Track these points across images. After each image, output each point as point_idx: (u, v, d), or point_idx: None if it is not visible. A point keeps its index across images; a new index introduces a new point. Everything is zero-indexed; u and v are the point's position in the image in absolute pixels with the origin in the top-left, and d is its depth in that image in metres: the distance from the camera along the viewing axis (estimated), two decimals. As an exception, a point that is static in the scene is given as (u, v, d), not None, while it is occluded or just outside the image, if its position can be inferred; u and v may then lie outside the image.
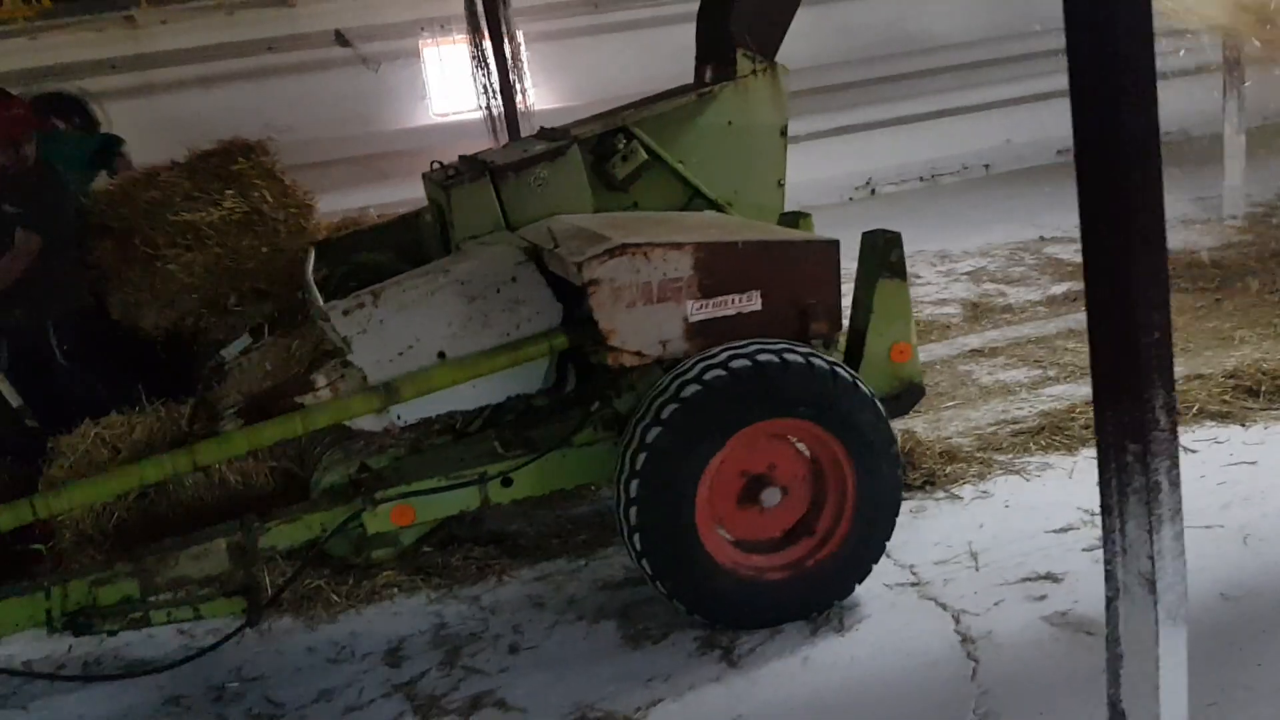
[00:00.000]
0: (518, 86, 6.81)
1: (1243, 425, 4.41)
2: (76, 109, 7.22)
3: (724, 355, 3.30)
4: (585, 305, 3.55)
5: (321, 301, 3.84)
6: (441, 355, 3.71)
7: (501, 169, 4.26)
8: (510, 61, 6.74)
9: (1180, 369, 4.97)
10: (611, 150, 4.40)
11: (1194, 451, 4.23)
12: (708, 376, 3.25)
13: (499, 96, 6.74)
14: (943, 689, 3.00)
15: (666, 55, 10.54)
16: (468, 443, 3.86)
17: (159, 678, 3.50)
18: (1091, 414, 4.51)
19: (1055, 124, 10.51)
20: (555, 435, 3.65)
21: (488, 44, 6.86)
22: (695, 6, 4.84)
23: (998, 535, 3.79)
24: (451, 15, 9.84)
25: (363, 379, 3.68)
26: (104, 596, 3.25)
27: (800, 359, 3.31)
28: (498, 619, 3.74)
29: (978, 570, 3.60)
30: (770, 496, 3.38)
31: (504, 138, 6.88)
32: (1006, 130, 10.55)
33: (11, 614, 3.17)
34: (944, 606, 3.40)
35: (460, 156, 4.80)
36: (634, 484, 3.26)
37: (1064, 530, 3.76)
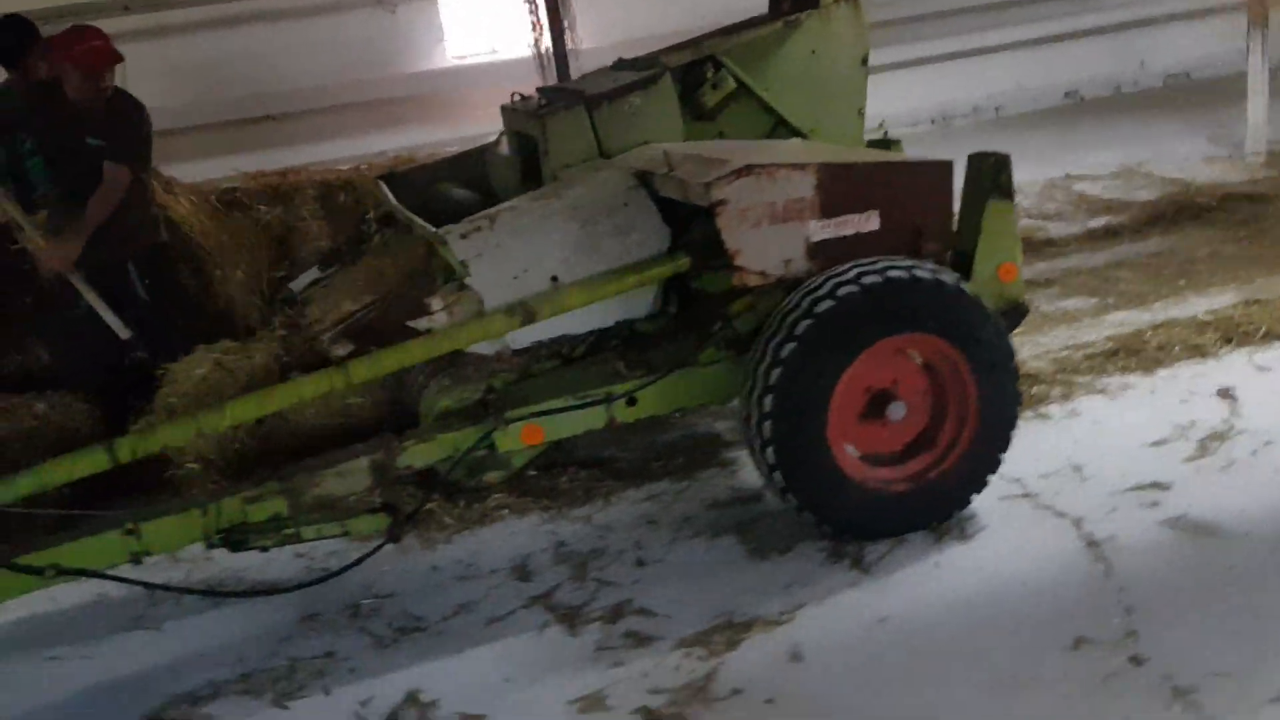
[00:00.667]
0: (565, 24, 6.78)
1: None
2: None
3: (854, 272, 3.38)
4: (701, 228, 3.63)
5: (431, 227, 3.88)
6: (554, 279, 3.78)
7: (595, 98, 4.28)
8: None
9: (1236, 296, 5.13)
10: (701, 79, 4.44)
11: (1269, 370, 4.37)
12: (841, 292, 3.33)
13: (548, 34, 6.71)
14: (1080, 587, 3.13)
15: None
16: (584, 365, 3.92)
17: (290, 597, 3.57)
18: (1163, 336, 4.68)
19: (1064, 67, 10.68)
20: (674, 356, 3.73)
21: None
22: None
23: (1096, 449, 3.92)
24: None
25: (479, 302, 3.74)
26: (254, 514, 3.30)
27: (929, 275, 3.40)
28: (616, 536, 3.84)
29: (1084, 482, 3.72)
30: (895, 410, 3.48)
31: (551, 77, 6.88)
32: (1016, 74, 10.64)
33: (170, 531, 3.21)
34: (1061, 514, 3.53)
35: (539, 89, 4.82)
36: (768, 399, 3.34)
37: (1160, 443, 3.90)
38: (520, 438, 3.59)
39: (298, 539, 3.35)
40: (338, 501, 3.45)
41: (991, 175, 3.75)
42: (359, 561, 3.42)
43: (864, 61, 4.70)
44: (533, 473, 4.22)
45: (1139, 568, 3.19)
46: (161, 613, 3.71)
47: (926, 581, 3.29)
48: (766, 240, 3.50)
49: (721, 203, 3.44)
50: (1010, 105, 10.72)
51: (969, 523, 3.55)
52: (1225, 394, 4.20)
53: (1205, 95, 8.74)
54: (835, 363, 3.36)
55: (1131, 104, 9.69)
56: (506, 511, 4.07)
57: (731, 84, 4.45)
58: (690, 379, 3.67)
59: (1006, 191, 3.77)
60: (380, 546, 3.42)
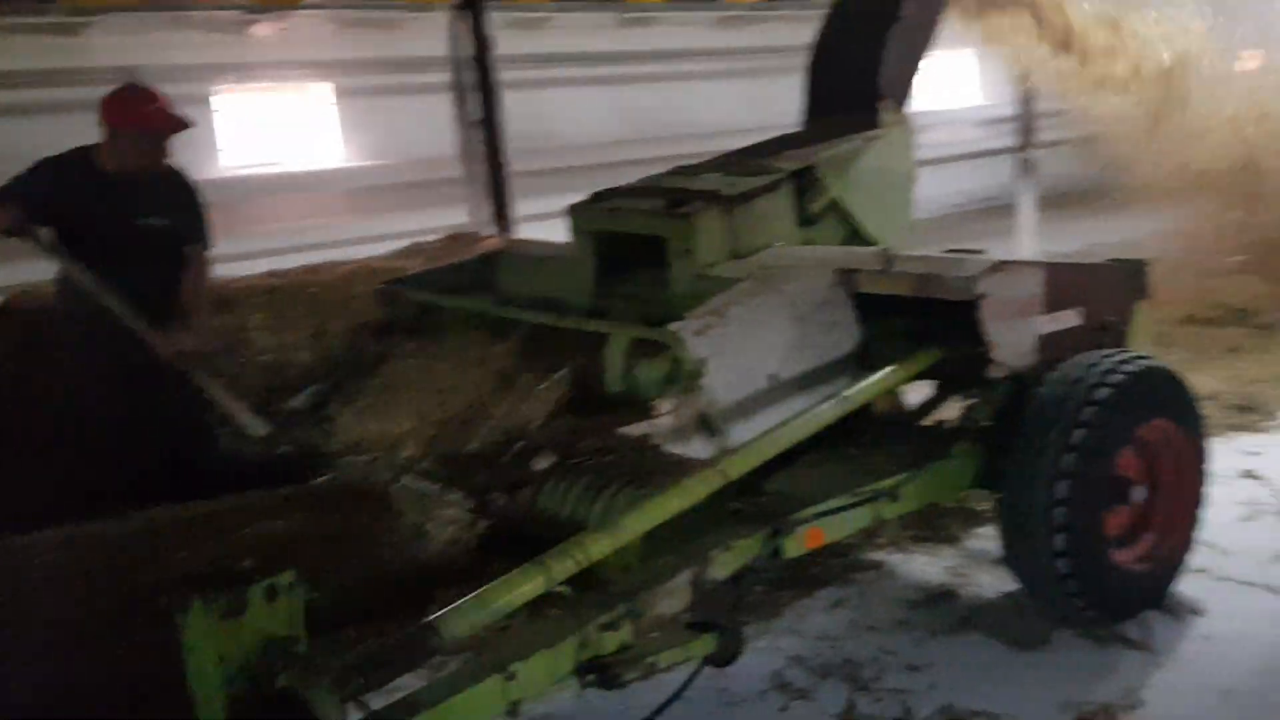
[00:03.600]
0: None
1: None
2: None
3: (1115, 360, 3.57)
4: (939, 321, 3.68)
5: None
6: (771, 377, 3.64)
7: (731, 199, 4.21)
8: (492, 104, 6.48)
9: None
10: (806, 186, 4.51)
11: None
12: (1113, 379, 3.50)
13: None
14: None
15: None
16: (835, 462, 3.74)
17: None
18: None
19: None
20: (922, 450, 3.69)
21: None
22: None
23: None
24: (250, 62, 9.17)
25: (709, 403, 3.51)
26: (608, 643, 2.81)
27: (1164, 368, 3.67)
28: (848, 644, 3.66)
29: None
30: (1138, 493, 3.68)
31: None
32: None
33: (543, 670, 2.64)
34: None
35: (604, 192, 4.64)
36: (1061, 484, 3.41)
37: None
38: (804, 542, 3.36)
39: (654, 669, 2.89)
40: (668, 622, 3.02)
41: (1136, 280, 4.12)
42: (686, 685, 2.99)
43: (912, 179, 4.99)
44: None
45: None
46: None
47: (1215, 653, 3.46)
48: (1013, 333, 3.62)
49: (983, 296, 3.52)
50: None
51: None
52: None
53: (989, 218, 9.90)
54: (1115, 447, 3.52)
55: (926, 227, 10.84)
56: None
57: (831, 193, 4.55)
58: (942, 472, 3.64)
59: (1146, 293, 4.15)
60: (700, 668, 3.03)
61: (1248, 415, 5.46)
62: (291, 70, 9.65)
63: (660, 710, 2.91)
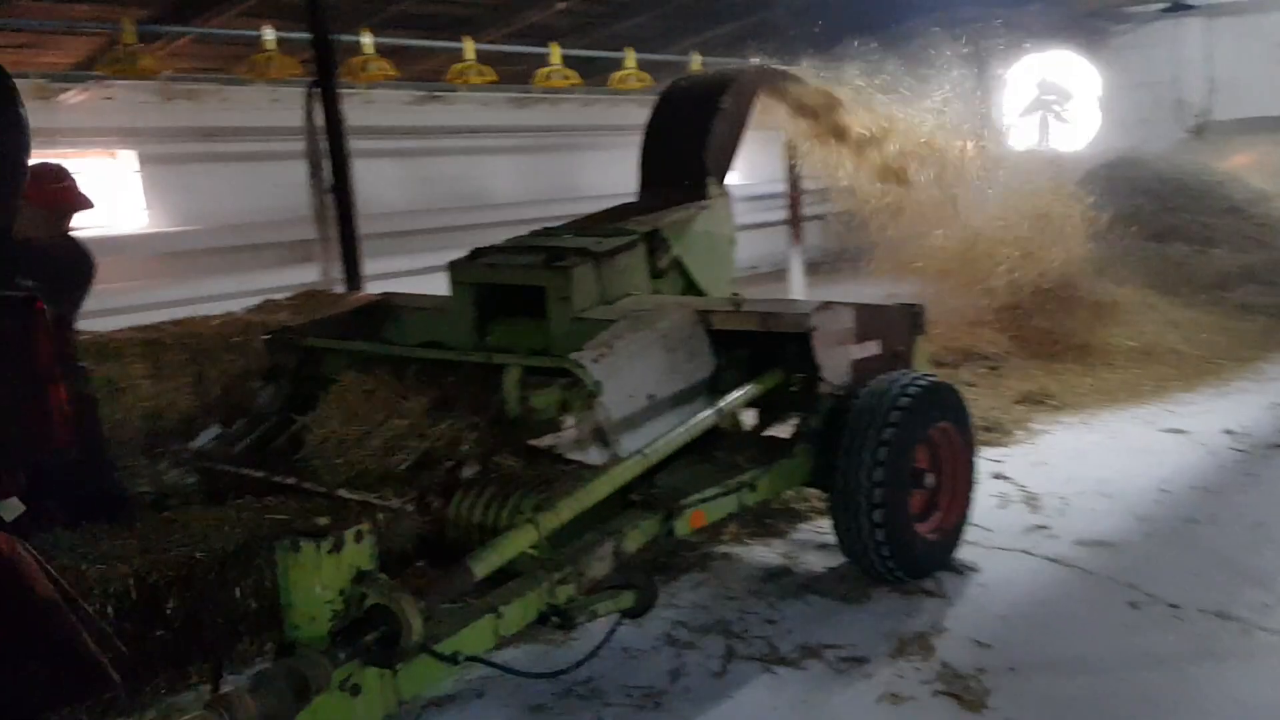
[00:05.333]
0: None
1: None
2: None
3: (910, 378, 4.67)
4: (776, 350, 4.69)
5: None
6: (650, 396, 4.54)
7: (601, 255, 5.10)
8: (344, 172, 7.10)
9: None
10: (655, 246, 5.46)
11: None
12: (912, 391, 4.60)
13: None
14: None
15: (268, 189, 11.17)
16: (697, 462, 4.62)
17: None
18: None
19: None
20: (768, 451, 4.66)
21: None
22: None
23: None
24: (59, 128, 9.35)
25: (604, 418, 4.36)
26: (560, 595, 3.58)
27: (947, 383, 4.82)
28: (716, 609, 4.55)
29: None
30: (929, 480, 4.77)
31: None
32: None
33: (520, 612, 3.39)
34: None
35: (496, 247, 5.43)
36: (878, 471, 4.45)
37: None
38: (690, 523, 4.24)
39: (595, 615, 3.68)
40: (599, 582, 3.82)
41: (916, 319, 5.29)
42: (609, 636, 3.79)
43: (732, 243, 6.04)
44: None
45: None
46: None
47: (990, 595, 4.57)
48: (836, 358, 4.68)
49: (814, 329, 4.56)
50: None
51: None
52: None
53: (766, 281, 11.14)
54: (914, 442, 4.60)
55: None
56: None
57: (675, 251, 5.52)
58: (787, 467, 4.62)
59: (924, 329, 5.33)
60: (633, 618, 3.86)
61: (991, 434, 6.79)
62: (99, 138, 9.88)
63: (588, 658, 3.69)
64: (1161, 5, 12.49)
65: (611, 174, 13.55)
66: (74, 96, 8.89)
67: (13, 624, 2.34)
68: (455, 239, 11.94)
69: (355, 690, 2.80)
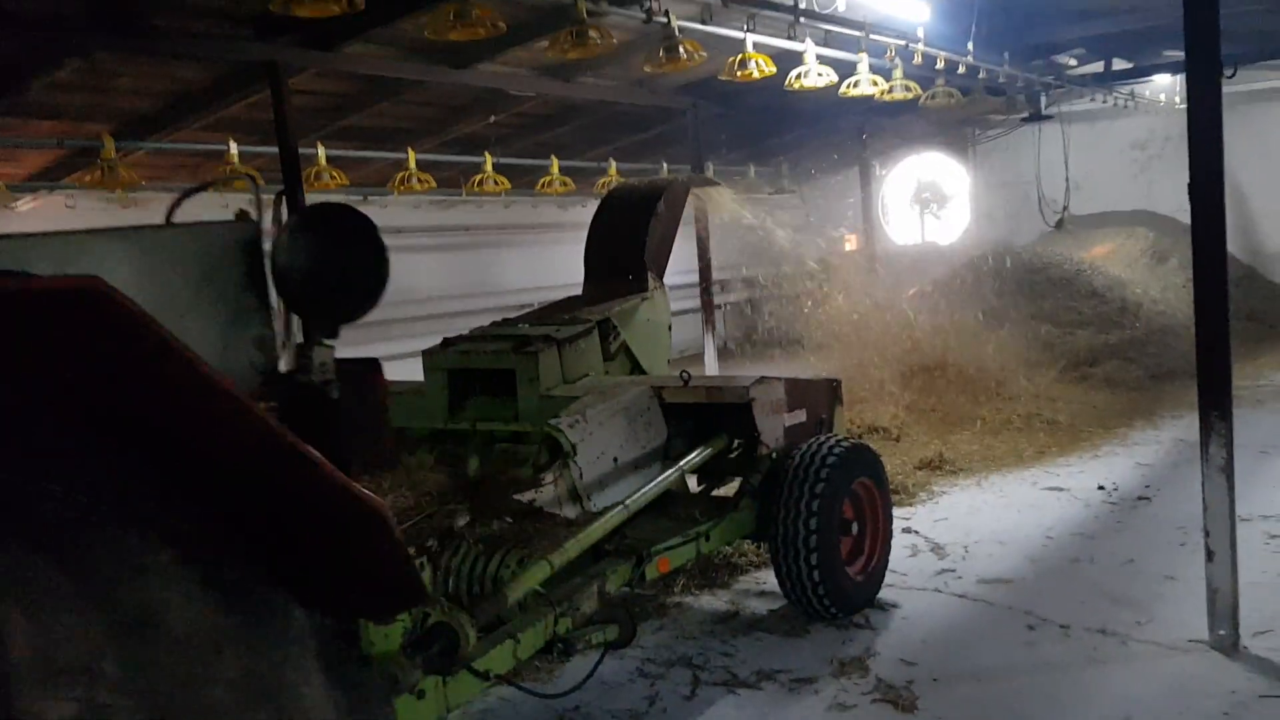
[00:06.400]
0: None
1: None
2: None
3: (834, 441, 5.45)
4: (718, 420, 5.43)
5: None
6: (615, 460, 5.23)
7: (562, 340, 5.80)
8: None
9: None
10: (607, 332, 6.19)
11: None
12: (838, 451, 5.37)
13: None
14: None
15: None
16: (661, 518, 5.29)
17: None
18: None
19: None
20: (717, 507, 5.36)
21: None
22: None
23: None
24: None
25: (577, 477, 5.03)
26: (561, 626, 4.20)
27: (866, 445, 5.62)
28: (682, 647, 5.20)
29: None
30: (855, 528, 5.53)
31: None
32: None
33: (533, 638, 4.00)
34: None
35: (457, 337, 6.09)
36: (813, 520, 5.19)
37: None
38: (658, 567, 4.91)
39: (590, 644, 4.30)
40: (590, 618, 4.44)
41: (835, 391, 6.11)
42: (598, 665, 4.41)
43: (669, 329, 6.81)
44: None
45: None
46: None
47: (910, 626, 5.31)
48: (772, 424, 5.44)
49: (754, 399, 5.33)
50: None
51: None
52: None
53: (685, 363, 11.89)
54: (842, 495, 5.36)
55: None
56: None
57: (622, 337, 6.26)
58: (735, 519, 5.33)
59: (841, 400, 6.14)
60: (620, 648, 4.49)
61: (898, 495, 7.61)
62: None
63: (583, 683, 4.31)
64: (1022, 115, 13.89)
65: (529, 270, 14.38)
66: (27, 204, 9.25)
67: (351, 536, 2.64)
68: (382, 331, 12.64)
69: (421, 694, 3.38)
